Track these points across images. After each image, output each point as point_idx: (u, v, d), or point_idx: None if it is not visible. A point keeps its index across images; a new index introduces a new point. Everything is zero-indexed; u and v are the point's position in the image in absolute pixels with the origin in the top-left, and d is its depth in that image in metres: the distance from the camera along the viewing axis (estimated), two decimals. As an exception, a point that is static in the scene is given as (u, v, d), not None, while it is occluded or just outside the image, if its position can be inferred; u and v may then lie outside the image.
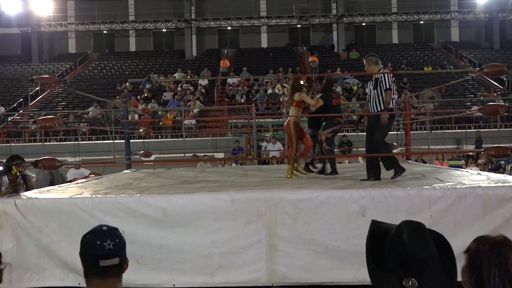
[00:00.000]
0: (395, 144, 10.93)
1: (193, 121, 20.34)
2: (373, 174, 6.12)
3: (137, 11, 32.31)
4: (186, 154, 14.23)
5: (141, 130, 11.83)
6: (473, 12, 31.68)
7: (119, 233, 2.16)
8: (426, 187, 4.94)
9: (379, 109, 6.18)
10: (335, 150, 8.26)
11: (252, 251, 4.56)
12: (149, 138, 17.67)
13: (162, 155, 15.27)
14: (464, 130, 18.64)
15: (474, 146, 17.20)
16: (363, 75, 25.14)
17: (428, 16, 31.92)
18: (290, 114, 7.46)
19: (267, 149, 15.82)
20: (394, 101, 6.22)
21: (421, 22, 32.72)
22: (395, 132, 17.34)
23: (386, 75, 6.18)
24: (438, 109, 20.34)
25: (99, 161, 12.71)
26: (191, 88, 24.45)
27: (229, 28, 33.03)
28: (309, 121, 7.99)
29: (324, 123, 7.46)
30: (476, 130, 18.52)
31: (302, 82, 7.36)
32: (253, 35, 33.04)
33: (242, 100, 22.38)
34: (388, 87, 6.13)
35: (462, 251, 1.78)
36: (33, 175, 9.87)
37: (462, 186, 4.94)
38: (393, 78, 6.24)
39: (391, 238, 1.71)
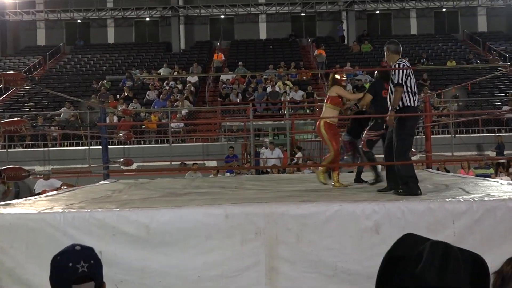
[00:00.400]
0: (414, 150, 10.95)
1: (181, 124, 20.36)
2: (394, 184, 6.06)
3: (117, -3, 32.39)
4: (173, 163, 14.22)
5: (121, 134, 11.82)
6: (503, -1, 31.83)
7: (94, 254, 2.16)
8: (449, 199, 4.96)
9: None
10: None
11: (249, 274, 4.56)
12: (130, 144, 17.66)
13: (145, 164, 15.27)
14: (493, 134, 18.67)
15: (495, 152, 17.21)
16: (378, 71, 25.22)
17: (451, 3, 32.03)
18: (322, 113, 7.45)
19: (265, 157, 15.84)
20: (415, 99, 6.02)
21: (444, 10, 32.84)
22: (415, 137, 17.37)
23: (399, 67, 6.00)
24: (463, 109, 20.39)
25: (72, 170, 12.70)
26: (179, 86, 24.48)
27: (222, 16, 33.10)
28: (349, 125, 8.05)
29: (373, 122, 7.31)
30: (495, 134, 18.50)
31: (338, 77, 7.46)
32: (250, 24, 33.11)
33: (238, 100, 22.41)
34: (398, 81, 5.88)
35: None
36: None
37: (490, 199, 4.96)
38: (408, 72, 5.99)
39: (407, 259, 1.70)
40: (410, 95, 5.98)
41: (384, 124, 6.70)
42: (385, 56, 6.35)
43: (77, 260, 2.08)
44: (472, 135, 18.86)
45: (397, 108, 5.97)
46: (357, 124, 7.90)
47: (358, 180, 7.93)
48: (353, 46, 30.57)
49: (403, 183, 5.77)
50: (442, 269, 1.63)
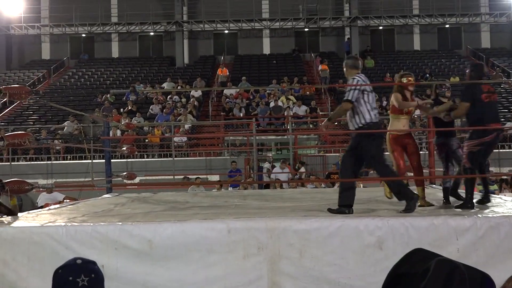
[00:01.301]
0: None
1: (184, 139, 20.38)
2: (404, 196, 5.74)
3: (121, 11, 32.56)
4: (175, 177, 14.22)
5: (124, 148, 11.85)
6: (506, 15, 31.93)
7: (96, 268, 2.16)
8: (453, 215, 4.94)
9: (351, 126, 5.97)
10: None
11: (251, 289, 4.54)
12: (133, 158, 17.68)
13: (148, 177, 15.28)
14: (497, 150, 18.64)
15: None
16: (381, 86, 25.26)
17: (454, 19, 32.15)
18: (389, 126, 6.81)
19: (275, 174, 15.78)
20: (374, 114, 5.86)
21: (447, 26, 32.96)
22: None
23: (353, 82, 5.88)
24: (467, 125, 20.36)
25: (75, 184, 12.72)
26: (182, 100, 24.55)
27: (226, 31, 33.27)
28: (436, 123, 7.02)
29: (470, 131, 6.24)
30: (499, 150, 18.47)
31: (404, 80, 6.69)
32: (254, 39, 33.26)
33: (241, 115, 22.44)
34: (347, 98, 5.80)
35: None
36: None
37: (494, 215, 4.95)
38: (364, 88, 5.88)
39: (412, 276, 1.69)
40: (370, 111, 5.85)
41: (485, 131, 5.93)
42: (344, 72, 6.19)
43: (78, 274, 2.08)
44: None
45: (358, 126, 5.82)
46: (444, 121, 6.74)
47: (454, 194, 6.86)
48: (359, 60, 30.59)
49: (397, 193, 5.76)
50: (446, 286, 1.62)
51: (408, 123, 6.87)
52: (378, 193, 8.56)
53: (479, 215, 4.92)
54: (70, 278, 2.07)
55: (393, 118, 6.65)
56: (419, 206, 5.94)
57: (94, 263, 2.19)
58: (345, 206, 5.48)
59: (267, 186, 14.58)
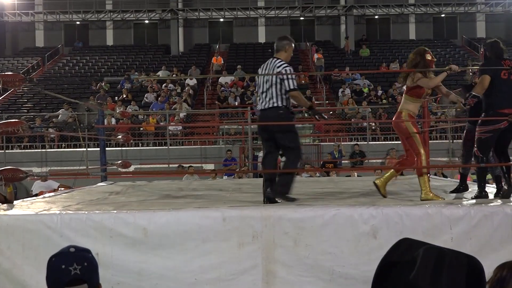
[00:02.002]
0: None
1: (179, 127, 20.36)
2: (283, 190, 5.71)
3: (116, -1, 32.43)
4: (170, 165, 14.22)
5: (119, 136, 11.82)
6: (501, 5, 31.93)
7: (89, 256, 2.17)
8: (447, 204, 4.96)
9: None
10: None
11: (246, 278, 4.56)
12: (128, 146, 17.66)
13: (142, 166, 15.26)
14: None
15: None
16: (375, 76, 25.25)
17: (450, 9, 32.13)
18: (401, 106, 5.97)
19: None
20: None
21: (442, 15, 32.94)
22: (354, 143, 17.44)
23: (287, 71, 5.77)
24: (462, 115, 20.40)
25: (69, 172, 12.70)
26: (177, 88, 24.49)
27: (221, 20, 33.14)
28: (470, 111, 6.22)
29: (483, 114, 5.69)
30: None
31: (429, 58, 5.98)
32: (249, 28, 33.16)
33: (236, 103, 22.41)
34: (294, 87, 5.75)
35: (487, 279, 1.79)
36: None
37: (488, 204, 4.97)
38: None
39: (401, 265, 1.70)
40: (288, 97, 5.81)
41: (498, 113, 5.45)
42: (280, 54, 5.98)
43: (70, 262, 2.08)
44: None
45: (283, 111, 5.73)
46: (476, 107, 5.86)
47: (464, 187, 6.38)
48: (346, 44, 30.50)
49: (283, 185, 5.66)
50: (435, 276, 1.63)
51: None
52: (372, 182, 8.58)
53: (473, 204, 4.95)
54: (63, 266, 2.08)
55: (411, 101, 5.86)
56: (422, 199, 5.52)
57: (88, 251, 2.19)
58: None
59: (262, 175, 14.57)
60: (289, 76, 5.72)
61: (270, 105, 5.73)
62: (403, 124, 5.79)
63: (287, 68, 5.76)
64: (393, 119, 6.01)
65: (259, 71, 5.99)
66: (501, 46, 5.80)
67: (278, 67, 5.76)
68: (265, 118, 5.81)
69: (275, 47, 6.05)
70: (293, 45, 6.10)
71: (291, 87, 5.71)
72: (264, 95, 5.80)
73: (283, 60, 5.87)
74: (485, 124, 5.58)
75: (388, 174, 6.11)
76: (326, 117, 6.82)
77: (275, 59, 5.90)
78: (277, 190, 5.61)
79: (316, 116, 5.92)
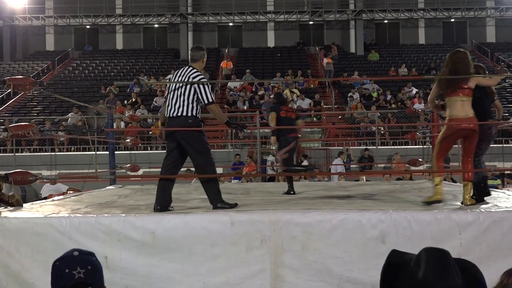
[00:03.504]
0: (420, 160, 10.93)
1: (188, 131, 20.34)
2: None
3: (125, 3, 32.53)
4: (179, 169, 14.20)
5: (128, 140, 11.85)
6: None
7: (93, 259, 2.16)
8: (456, 210, 4.94)
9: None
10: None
11: (254, 282, 4.56)
12: (137, 150, 17.71)
13: (151, 170, 15.27)
14: (501, 145, 18.60)
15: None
16: (384, 80, 25.20)
17: (459, 13, 32.03)
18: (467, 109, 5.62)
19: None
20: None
21: (452, 20, 32.82)
22: (421, 147, 17.38)
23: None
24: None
25: (78, 175, 12.73)
26: (186, 92, 24.47)
27: (230, 24, 33.21)
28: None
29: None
30: (503, 145, 18.44)
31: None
32: (258, 32, 33.21)
33: (245, 107, 22.44)
34: (212, 100, 5.74)
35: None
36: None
37: (497, 210, 4.94)
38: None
39: (407, 268, 1.72)
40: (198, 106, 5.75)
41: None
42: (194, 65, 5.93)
43: (74, 266, 2.08)
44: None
45: (192, 120, 5.66)
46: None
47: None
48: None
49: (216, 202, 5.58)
50: (444, 271, 1.64)
51: None
52: (381, 186, 8.57)
53: (482, 210, 4.92)
54: (67, 270, 2.07)
55: (467, 101, 5.64)
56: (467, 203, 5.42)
57: (92, 254, 2.19)
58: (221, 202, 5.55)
59: (270, 179, 14.57)
60: (207, 89, 5.67)
61: (179, 113, 5.65)
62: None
63: (204, 80, 5.74)
64: (470, 124, 5.56)
65: (171, 77, 5.93)
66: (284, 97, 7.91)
67: (194, 77, 5.70)
68: (173, 126, 5.70)
69: (191, 56, 5.97)
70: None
71: (210, 100, 5.68)
72: (173, 101, 5.71)
73: (198, 70, 5.83)
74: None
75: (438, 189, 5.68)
76: (246, 126, 6.77)
77: (191, 68, 5.83)
78: (210, 201, 5.57)
79: (236, 130, 5.92)
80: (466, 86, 5.58)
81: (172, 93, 5.78)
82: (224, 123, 5.98)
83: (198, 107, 5.73)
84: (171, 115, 5.73)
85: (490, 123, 5.92)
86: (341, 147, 17.50)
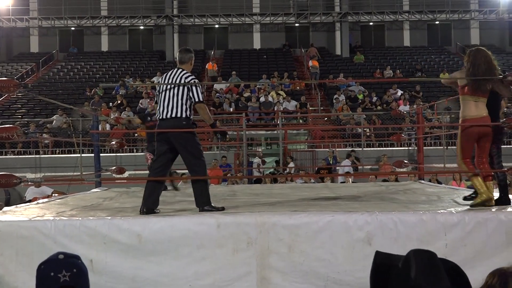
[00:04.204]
0: (406, 161, 10.99)
1: (174, 133, 20.29)
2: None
3: (111, 5, 32.40)
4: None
5: (113, 142, 11.79)
6: (495, 12, 32.10)
7: (78, 262, 2.15)
8: (441, 211, 4.97)
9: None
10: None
11: (240, 284, 4.55)
12: (123, 152, 17.62)
13: (137, 172, 15.21)
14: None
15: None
16: (370, 82, 25.32)
17: (444, 16, 32.28)
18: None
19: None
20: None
21: (437, 22, 33.08)
22: (407, 148, 17.48)
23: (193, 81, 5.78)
24: (456, 121, 20.48)
25: (63, 178, 12.65)
26: (172, 94, 24.41)
27: (216, 26, 33.19)
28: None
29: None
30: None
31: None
32: (244, 34, 33.22)
33: (231, 109, 22.43)
34: (201, 99, 5.77)
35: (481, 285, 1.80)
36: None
37: (482, 211, 4.98)
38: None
39: (397, 270, 1.73)
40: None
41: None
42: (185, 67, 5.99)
43: (59, 270, 2.07)
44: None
45: (185, 122, 5.67)
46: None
47: None
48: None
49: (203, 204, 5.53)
50: (435, 275, 1.65)
51: None
52: (367, 188, 8.60)
53: (467, 211, 4.96)
54: (52, 273, 2.07)
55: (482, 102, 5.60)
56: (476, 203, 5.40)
57: (77, 257, 2.18)
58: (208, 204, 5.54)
59: (257, 181, 14.58)
60: (198, 89, 5.71)
61: (173, 115, 5.66)
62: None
63: (195, 81, 5.77)
64: (482, 125, 5.53)
65: (161, 79, 5.92)
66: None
67: (186, 77, 5.74)
68: (165, 128, 5.69)
69: (180, 58, 6.01)
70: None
71: (200, 99, 5.70)
72: (165, 103, 5.71)
73: (188, 72, 5.86)
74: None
75: (481, 188, 5.54)
76: (227, 137, 6.64)
77: (181, 69, 5.86)
78: (197, 203, 5.56)
79: (218, 135, 5.93)
80: (489, 88, 5.54)
81: (163, 93, 5.75)
82: (210, 124, 5.96)
83: (191, 109, 5.73)
84: (163, 117, 5.72)
85: (501, 124, 5.87)
86: (327, 149, 17.55)
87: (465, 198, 6.13)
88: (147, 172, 6.89)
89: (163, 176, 5.81)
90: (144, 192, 5.65)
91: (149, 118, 9.63)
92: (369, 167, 16.95)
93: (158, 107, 5.83)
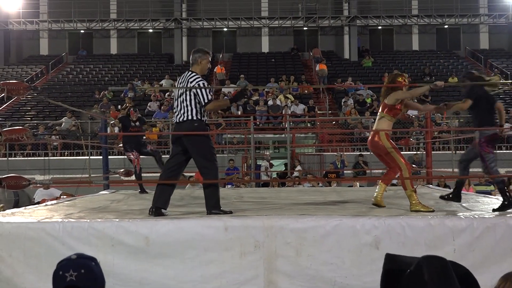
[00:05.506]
0: (414, 166, 10.95)
1: (182, 136, 20.31)
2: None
3: (120, 8, 32.51)
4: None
5: (122, 145, 11.83)
6: (505, 16, 31.96)
7: (88, 263, 2.16)
8: (450, 216, 4.95)
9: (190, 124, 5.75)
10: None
11: (247, 287, 4.54)
12: (131, 155, 17.64)
13: (145, 174, 15.24)
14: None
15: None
16: (378, 86, 25.26)
17: (453, 20, 32.17)
18: (376, 125, 6.20)
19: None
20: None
21: (446, 26, 32.97)
22: (415, 152, 17.42)
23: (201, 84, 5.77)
24: (464, 126, 20.41)
25: (72, 180, 12.70)
26: (180, 97, 24.44)
27: (225, 29, 33.24)
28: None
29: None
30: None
31: (402, 80, 6.19)
32: (253, 38, 33.25)
33: (239, 113, 22.44)
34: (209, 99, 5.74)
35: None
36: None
37: (491, 216, 4.95)
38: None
39: (409, 276, 1.72)
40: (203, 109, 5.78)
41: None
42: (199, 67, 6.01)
43: (67, 269, 2.09)
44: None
45: (198, 124, 5.70)
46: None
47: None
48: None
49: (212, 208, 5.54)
50: (446, 281, 1.65)
51: None
52: (374, 193, 8.56)
53: (475, 216, 4.93)
54: (61, 272, 2.09)
55: (388, 119, 6.07)
56: (412, 209, 5.57)
57: (91, 259, 2.19)
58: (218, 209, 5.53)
59: (264, 184, 14.57)
60: (203, 91, 5.69)
61: (185, 118, 5.70)
62: (380, 142, 6.01)
63: (201, 82, 5.76)
64: (369, 139, 6.18)
65: (177, 83, 6.02)
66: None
67: (192, 81, 5.76)
68: (179, 131, 5.74)
69: (190, 60, 6.07)
70: (208, 56, 6.06)
71: (206, 101, 5.69)
72: (178, 108, 5.78)
73: (197, 74, 5.88)
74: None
75: (379, 189, 6.19)
76: (247, 88, 6.89)
77: (190, 72, 5.90)
78: (207, 206, 5.57)
79: (242, 98, 5.97)
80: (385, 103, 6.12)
81: (177, 100, 5.86)
82: (230, 104, 6.05)
83: (203, 111, 5.76)
84: (177, 121, 5.80)
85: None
86: (335, 153, 17.52)
87: (441, 197, 6.49)
88: (155, 174, 6.94)
89: (176, 176, 5.82)
90: (155, 191, 5.69)
91: (132, 124, 10.29)
92: (376, 171, 16.89)
93: (174, 112, 5.92)
